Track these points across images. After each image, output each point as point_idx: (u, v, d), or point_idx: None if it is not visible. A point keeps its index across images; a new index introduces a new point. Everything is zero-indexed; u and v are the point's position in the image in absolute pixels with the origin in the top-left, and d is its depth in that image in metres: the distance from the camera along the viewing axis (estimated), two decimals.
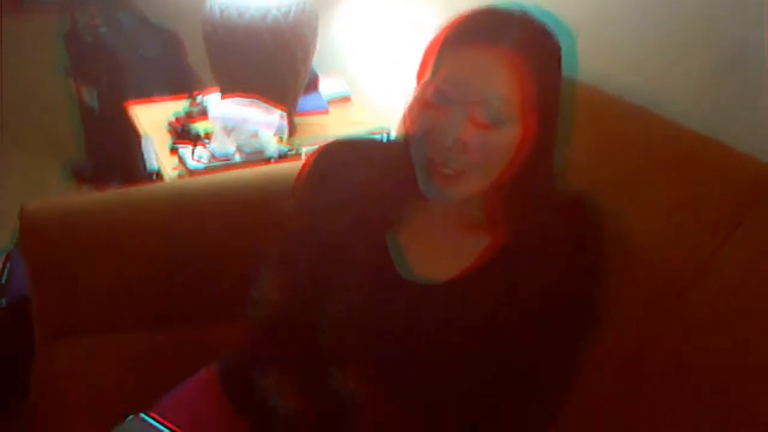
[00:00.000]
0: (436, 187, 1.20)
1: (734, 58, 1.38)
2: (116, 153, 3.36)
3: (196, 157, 2.08)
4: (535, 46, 1.17)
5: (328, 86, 2.50)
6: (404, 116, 1.26)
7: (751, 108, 1.36)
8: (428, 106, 1.18)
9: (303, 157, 2.07)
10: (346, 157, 1.36)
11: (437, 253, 1.29)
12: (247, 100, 2.10)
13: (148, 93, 3.12)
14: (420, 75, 1.24)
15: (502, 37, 1.15)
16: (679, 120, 1.40)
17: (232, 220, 1.70)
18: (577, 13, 1.65)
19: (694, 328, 1.16)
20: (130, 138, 2.66)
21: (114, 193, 1.84)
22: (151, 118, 2.39)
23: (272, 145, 2.08)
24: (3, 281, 2.08)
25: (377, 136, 1.57)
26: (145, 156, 2.18)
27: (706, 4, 1.42)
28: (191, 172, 2.03)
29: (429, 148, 1.18)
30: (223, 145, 2.06)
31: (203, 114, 2.26)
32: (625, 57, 1.59)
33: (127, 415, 1.37)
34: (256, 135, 2.07)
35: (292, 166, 1.79)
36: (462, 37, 1.17)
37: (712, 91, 1.44)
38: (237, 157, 2.06)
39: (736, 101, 1.39)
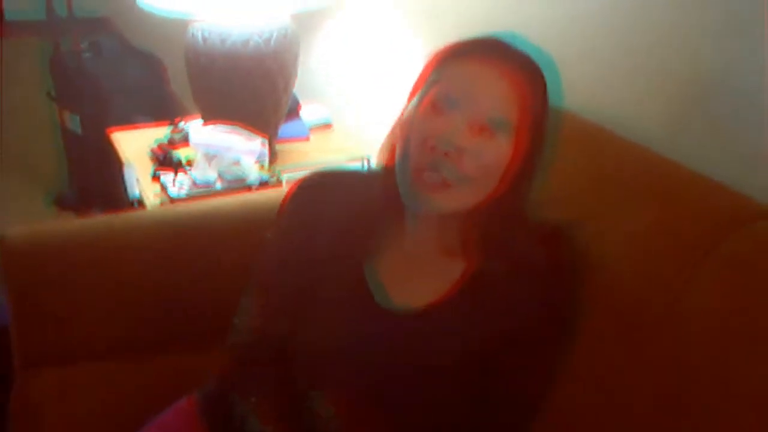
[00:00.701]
0: (423, 196, 1.22)
1: (708, 87, 1.40)
2: (99, 179, 3.36)
3: (177, 184, 2.08)
4: (532, 72, 1.24)
5: (309, 113, 2.52)
6: (385, 144, 1.30)
7: (724, 136, 1.39)
8: (429, 111, 1.21)
9: (284, 184, 2.08)
10: (327, 188, 1.40)
11: (413, 279, 1.31)
12: (229, 127, 2.11)
13: (131, 119, 3.14)
14: (416, 89, 1.27)
15: (503, 55, 1.22)
16: (653, 147, 1.42)
17: (213, 248, 1.71)
18: (554, 42, 1.68)
19: (668, 355, 1.17)
20: (112, 164, 2.66)
21: (95, 221, 1.85)
22: (134, 145, 2.39)
23: (253, 172, 2.09)
24: None
25: (358, 166, 1.59)
26: (127, 183, 2.18)
27: (680, 33, 1.44)
28: (173, 200, 2.04)
29: (419, 155, 1.20)
30: (205, 172, 2.07)
31: (185, 141, 2.27)
32: (600, 85, 1.62)
33: None
34: (237, 162, 2.08)
35: (273, 194, 1.81)
36: (466, 51, 1.23)
37: (685, 119, 1.46)
38: (218, 185, 2.07)
39: (708, 129, 1.41)
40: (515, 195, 1.26)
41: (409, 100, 1.28)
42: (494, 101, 1.18)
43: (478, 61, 1.21)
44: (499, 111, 1.18)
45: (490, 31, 1.28)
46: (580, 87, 1.64)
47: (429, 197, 1.21)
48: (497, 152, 1.19)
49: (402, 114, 1.28)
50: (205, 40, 2.14)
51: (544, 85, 1.26)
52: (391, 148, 1.30)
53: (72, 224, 1.93)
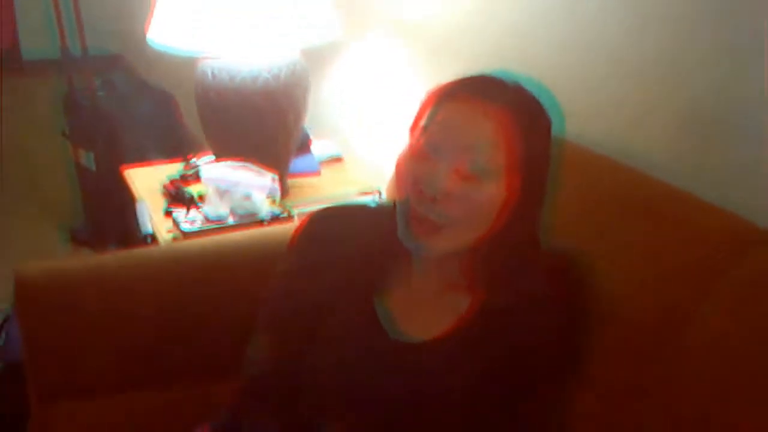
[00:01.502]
0: (415, 238, 1.24)
1: (705, 111, 1.42)
2: (113, 215, 3.38)
3: (189, 219, 2.10)
4: (525, 112, 1.24)
5: (319, 147, 2.54)
6: (392, 180, 1.31)
7: (722, 159, 1.40)
8: (418, 156, 1.23)
9: (295, 219, 2.10)
10: (336, 223, 1.42)
11: (422, 312, 1.33)
12: (240, 163, 2.13)
13: (144, 155, 3.17)
14: (413, 129, 1.29)
15: (493, 95, 1.22)
16: (653, 173, 1.44)
17: (226, 282, 1.72)
18: (553, 69, 1.70)
19: (677, 379, 1.18)
20: (126, 200, 2.69)
21: (109, 257, 1.86)
22: (147, 181, 2.42)
23: (265, 207, 2.11)
24: (1, 344, 2.09)
25: (368, 200, 1.61)
26: (140, 219, 2.21)
27: (675, 58, 1.46)
28: (185, 235, 2.06)
29: (413, 200, 1.23)
30: (217, 208, 2.09)
31: (197, 177, 2.29)
32: (597, 113, 1.63)
33: None
34: (248, 198, 2.10)
35: (285, 228, 1.82)
36: (455, 93, 1.24)
37: (683, 144, 1.47)
38: (230, 220, 2.09)
39: (706, 153, 1.43)
40: (515, 231, 1.27)
41: (409, 132, 1.30)
42: (477, 150, 1.19)
43: (466, 104, 1.22)
44: (482, 159, 1.19)
45: (494, 66, 1.31)
46: (579, 115, 1.66)
47: (421, 241, 1.24)
48: (486, 195, 1.21)
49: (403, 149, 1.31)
50: (214, 76, 2.16)
51: (542, 121, 1.27)
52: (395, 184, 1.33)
53: (85, 260, 1.95)
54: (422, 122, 1.26)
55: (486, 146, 1.19)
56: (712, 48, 1.39)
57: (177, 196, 2.24)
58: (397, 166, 1.27)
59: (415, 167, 1.23)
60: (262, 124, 2.19)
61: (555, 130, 1.29)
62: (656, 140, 1.53)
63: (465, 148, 1.20)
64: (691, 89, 1.44)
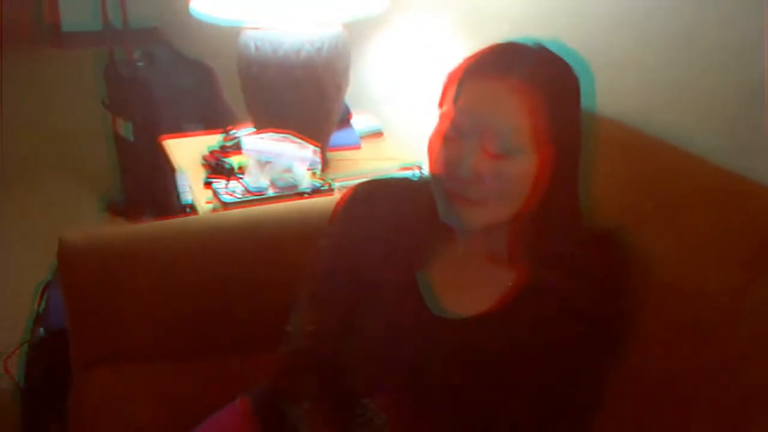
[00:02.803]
0: (456, 214, 1.24)
1: (761, 93, 1.39)
2: (150, 186, 3.41)
3: (229, 190, 2.11)
4: (549, 78, 1.21)
5: (360, 122, 2.53)
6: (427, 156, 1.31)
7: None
8: (445, 139, 1.22)
9: (336, 191, 2.09)
10: (378, 197, 1.41)
11: (465, 288, 1.32)
12: (281, 135, 2.13)
13: (182, 127, 3.18)
14: (440, 106, 1.28)
15: (514, 68, 1.19)
16: (707, 156, 1.42)
17: (265, 254, 1.72)
18: (606, 52, 1.68)
19: (726, 363, 1.16)
20: (164, 171, 2.69)
21: (150, 225, 1.87)
22: (186, 152, 2.42)
23: (305, 179, 2.10)
24: (41, 311, 2.11)
25: (409, 174, 1.60)
26: (180, 189, 2.21)
27: (728, 39, 1.43)
28: (225, 206, 2.06)
29: (447, 180, 1.22)
30: (257, 179, 2.09)
31: (237, 148, 2.29)
32: (653, 94, 1.61)
33: None
34: (289, 170, 2.09)
35: (325, 201, 1.82)
36: (477, 70, 1.22)
37: (736, 126, 1.45)
38: (270, 192, 2.09)
39: (763, 137, 1.40)
40: (557, 204, 1.26)
41: (438, 117, 1.28)
42: (503, 130, 1.18)
43: (486, 83, 1.19)
44: (509, 138, 1.18)
45: (535, 35, 1.27)
46: (627, 93, 1.64)
47: (461, 215, 1.23)
48: (518, 171, 1.19)
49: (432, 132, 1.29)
50: (257, 48, 2.16)
51: (569, 83, 1.25)
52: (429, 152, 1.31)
53: (127, 229, 1.96)
54: (446, 105, 1.25)
55: (511, 125, 1.17)
56: (754, 26, 1.36)
57: (217, 167, 2.25)
58: (428, 149, 1.27)
59: (444, 150, 1.22)
60: (304, 96, 2.18)
61: (587, 98, 1.26)
62: (711, 123, 1.50)
63: (490, 129, 1.18)
64: (748, 70, 1.41)
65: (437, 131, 1.24)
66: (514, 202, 1.22)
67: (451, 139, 1.21)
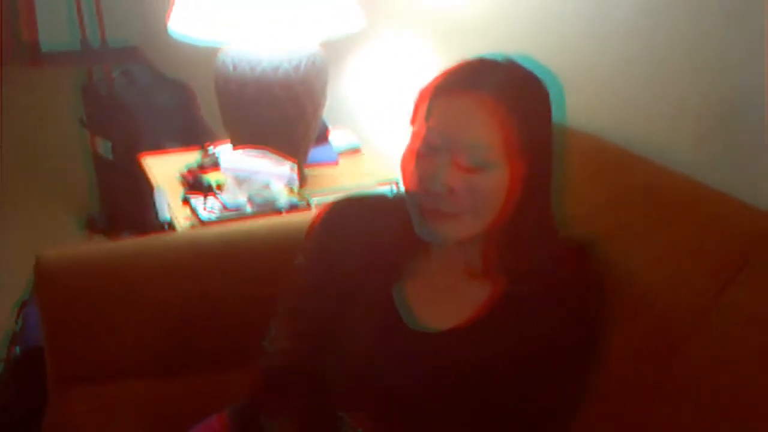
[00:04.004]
0: (429, 228, 1.25)
1: (734, 108, 1.41)
2: (129, 203, 3.40)
3: (208, 208, 2.11)
4: (519, 93, 1.23)
5: (338, 138, 2.54)
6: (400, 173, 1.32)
7: (751, 157, 1.39)
8: (418, 156, 1.24)
9: (313, 208, 2.10)
10: (354, 213, 1.43)
11: (441, 302, 1.33)
12: (259, 151, 2.13)
13: (161, 144, 3.18)
14: (412, 124, 1.29)
15: (483, 84, 1.21)
16: (681, 170, 1.43)
17: (243, 270, 1.72)
18: (586, 67, 1.70)
19: (696, 372, 1.18)
20: (142, 189, 2.69)
21: (127, 243, 1.87)
22: (164, 170, 2.42)
23: (283, 196, 2.11)
24: (18, 330, 2.10)
25: (385, 190, 1.62)
26: (158, 206, 2.21)
27: (707, 54, 1.45)
28: (203, 223, 2.06)
29: (421, 196, 1.24)
30: (235, 196, 2.10)
31: (215, 165, 2.30)
32: (630, 110, 1.63)
33: None
34: (267, 186, 2.10)
35: (303, 218, 1.82)
36: (447, 86, 1.24)
37: (712, 141, 1.46)
38: (248, 209, 2.10)
39: (736, 151, 1.42)
40: (531, 216, 1.28)
41: (410, 135, 1.30)
42: (474, 145, 1.20)
43: (456, 99, 1.22)
44: (480, 152, 1.20)
45: (512, 51, 1.29)
46: (604, 110, 1.66)
47: (435, 228, 1.25)
48: (491, 184, 1.21)
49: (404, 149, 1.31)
50: (235, 67, 2.17)
51: (543, 103, 1.27)
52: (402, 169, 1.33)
53: (104, 246, 1.96)
54: (417, 122, 1.26)
55: (481, 139, 1.19)
56: (745, 44, 1.38)
57: (195, 184, 2.25)
58: (402, 167, 1.28)
59: (417, 167, 1.24)
60: (282, 114, 2.19)
61: (558, 112, 1.28)
62: (686, 137, 1.51)
63: (461, 144, 1.20)
64: (725, 85, 1.43)
65: (410, 149, 1.26)
66: (487, 215, 1.24)
67: (423, 156, 1.23)
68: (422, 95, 1.27)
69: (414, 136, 1.26)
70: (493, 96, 1.19)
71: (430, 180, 1.21)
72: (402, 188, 1.32)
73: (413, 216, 1.27)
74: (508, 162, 1.21)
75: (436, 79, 1.26)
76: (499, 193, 1.22)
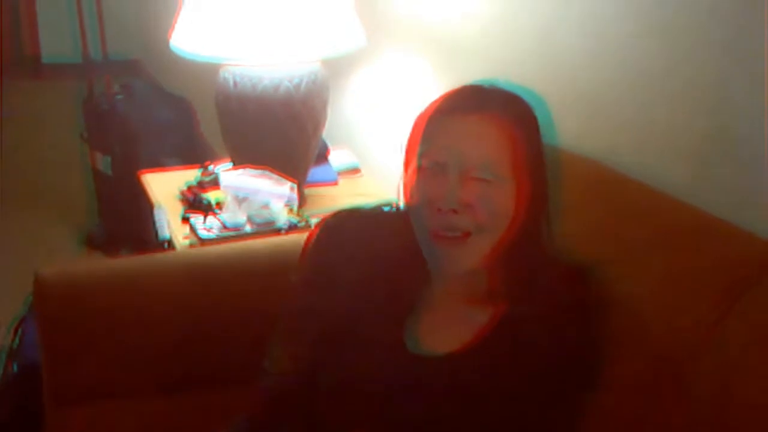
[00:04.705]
0: (443, 254, 1.25)
1: (731, 135, 1.41)
2: (128, 220, 3.39)
3: (207, 226, 2.11)
4: (518, 113, 1.28)
5: (337, 158, 2.54)
6: (401, 190, 1.34)
7: (748, 184, 1.39)
8: (425, 176, 1.25)
9: (313, 228, 2.09)
10: (352, 229, 1.43)
11: (442, 326, 1.33)
12: (259, 171, 2.13)
13: (160, 161, 3.18)
14: (409, 150, 1.31)
15: (487, 104, 1.26)
16: (676, 195, 1.44)
17: (242, 290, 1.72)
18: (582, 91, 1.70)
19: (695, 398, 1.18)
20: (142, 206, 2.69)
21: (126, 261, 1.87)
22: (164, 187, 2.43)
23: (282, 216, 2.11)
24: (15, 346, 2.09)
25: (384, 206, 1.61)
26: (157, 224, 2.21)
27: (705, 80, 1.45)
28: (202, 242, 2.06)
29: (430, 218, 1.24)
30: (235, 215, 2.10)
31: (215, 184, 2.29)
32: (625, 134, 1.63)
33: None
34: (267, 206, 2.10)
35: (302, 238, 1.81)
36: (449, 108, 1.27)
37: (708, 167, 1.47)
38: (247, 228, 2.09)
39: (732, 177, 1.42)
40: (529, 238, 1.29)
41: (406, 155, 1.33)
42: (480, 159, 1.22)
43: (460, 117, 1.25)
44: (491, 165, 1.22)
45: (509, 73, 1.34)
46: (602, 134, 1.66)
47: (448, 253, 1.25)
48: (501, 195, 1.24)
49: (405, 172, 1.32)
50: (236, 84, 2.18)
51: (535, 125, 1.29)
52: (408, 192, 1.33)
53: (104, 265, 1.96)
54: (420, 144, 1.28)
55: (492, 154, 1.23)
56: (742, 74, 1.38)
57: (194, 202, 2.25)
58: (407, 195, 1.29)
59: (426, 188, 1.25)
60: (282, 132, 2.19)
61: (546, 137, 1.32)
62: (682, 163, 1.52)
63: (471, 157, 1.22)
64: (721, 112, 1.43)
65: (415, 172, 1.27)
66: (497, 232, 1.25)
67: (431, 177, 1.24)
68: (421, 119, 1.29)
69: (417, 160, 1.27)
70: (499, 114, 1.24)
71: (443, 199, 1.22)
72: (401, 206, 1.32)
73: (423, 242, 1.28)
74: (515, 177, 1.24)
75: (437, 102, 1.29)
76: (508, 207, 1.24)
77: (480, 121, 1.24)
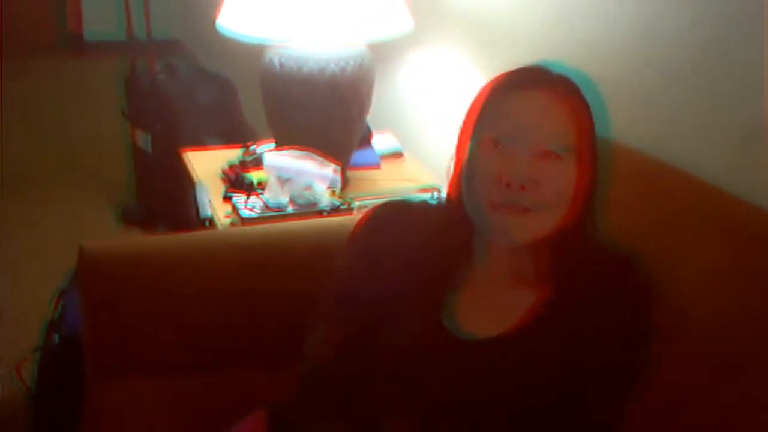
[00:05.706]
0: (503, 222, 1.24)
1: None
2: (166, 198, 3.42)
3: (249, 206, 2.11)
4: (577, 95, 1.28)
5: (380, 142, 2.54)
6: (452, 174, 1.34)
7: None
8: (492, 150, 1.24)
9: (355, 211, 2.10)
10: (396, 219, 1.43)
11: (485, 310, 1.32)
12: (302, 152, 2.13)
13: (200, 140, 3.19)
14: (466, 126, 1.30)
15: (550, 80, 1.27)
16: (722, 185, 1.42)
17: (283, 271, 1.72)
18: (632, 82, 1.69)
19: (754, 406, 1.16)
20: (180, 183, 2.70)
21: (170, 238, 1.88)
22: (205, 165, 2.43)
23: (325, 198, 2.11)
24: (56, 318, 2.11)
25: (427, 197, 1.62)
26: (199, 202, 2.22)
27: (745, 70, 1.44)
28: (244, 221, 2.07)
29: (494, 192, 1.23)
30: (277, 195, 2.10)
31: (257, 164, 2.30)
32: (664, 121, 1.63)
33: None
34: (309, 187, 2.10)
35: (344, 220, 1.82)
36: (513, 84, 1.27)
37: (753, 157, 1.45)
38: (290, 209, 2.09)
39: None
40: (582, 221, 1.29)
41: (463, 132, 1.32)
42: (550, 130, 1.23)
43: (526, 92, 1.25)
44: (558, 138, 1.23)
45: (549, 59, 1.33)
46: (649, 124, 1.65)
47: (510, 222, 1.24)
48: (568, 175, 1.24)
49: (458, 150, 1.31)
50: (282, 65, 2.17)
51: (589, 108, 1.30)
52: (454, 181, 1.34)
53: (147, 240, 1.97)
54: (485, 117, 1.28)
55: (558, 128, 1.23)
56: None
57: (236, 181, 2.25)
58: (463, 166, 1.27)
59: (493, 162, 1.24)
60: (327, 115, 2.19)
61: (599, 124, 1.31)
62: (729, 153, 1.50)
63: (539, 130, 1.23)
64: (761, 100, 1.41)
65: (482, 142, 1.26)
66: (560, 212, 1.25)
67: (499, 151, 1.24)
68: (480, 98, 1.30)
69: (480, 132, 1.27)
70: (564, 89, 1.26)
71: (511, 173, 1.22)
72: (443, 195, 1.32)
73: (480, 215, 1.27)
74: (579, 153, 1.24)
75: (499, 78, 1.30)
76: (570, 186, 1.24)
77: (547, 95, 1.24)
